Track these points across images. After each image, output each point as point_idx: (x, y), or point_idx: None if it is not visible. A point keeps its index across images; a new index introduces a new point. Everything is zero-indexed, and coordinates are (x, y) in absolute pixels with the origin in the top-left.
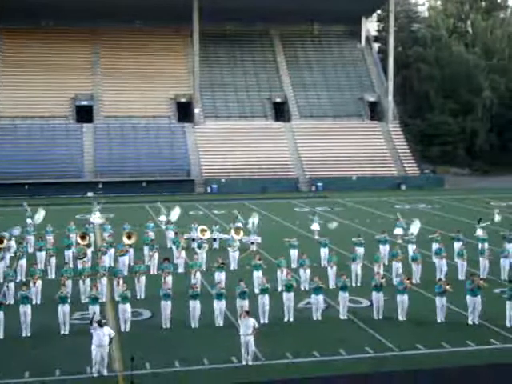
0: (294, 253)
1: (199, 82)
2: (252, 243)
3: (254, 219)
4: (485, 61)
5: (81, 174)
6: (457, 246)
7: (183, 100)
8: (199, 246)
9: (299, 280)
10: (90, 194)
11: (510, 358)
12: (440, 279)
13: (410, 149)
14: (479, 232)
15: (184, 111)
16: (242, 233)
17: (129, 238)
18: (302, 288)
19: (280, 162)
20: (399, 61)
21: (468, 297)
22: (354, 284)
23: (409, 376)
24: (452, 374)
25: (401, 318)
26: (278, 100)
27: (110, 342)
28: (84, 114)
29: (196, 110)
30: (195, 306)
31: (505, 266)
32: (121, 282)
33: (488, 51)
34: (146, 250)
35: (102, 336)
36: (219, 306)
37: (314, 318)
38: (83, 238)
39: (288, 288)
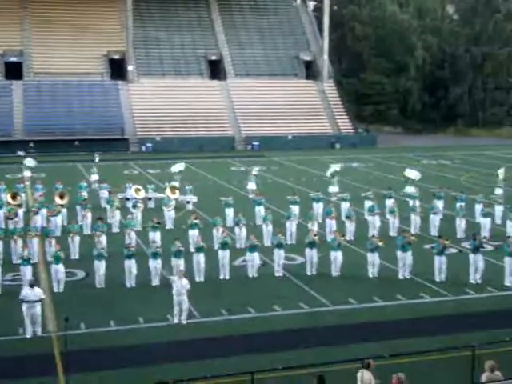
0: (229, 211)
1: (132, 39)
2: (188, 202)
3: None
4: (418, 21)
5: (10, 132)
6: (389, 203)
7: (116, 57)
8: (134, 206)
9: (235, 238)
10: (20, 153)
11: (439, 311)
12: (372, 236)
13: (344, 108)
14: (410, 189)
15: (117, 68)
16: (177, 192)
17: (61, 197)
18: (238, 246)
19: (216, 121)
20: (334, 20)
21: (399, 252)
22: (288, 241)
23: (343, 329)
24: (383, 327)
25: (334, 273)
26: (214, 58)
27: (39, 301)
28: (13, 70)
29: (129, 68)
30: (130, 265)
31: (434, 223)
32: (53, 242)
33: (421, 11)
34: (78, 209)
35: (33, 296)
36: (154, 265)
37: (250, 276)
38: (14, 197)
39: (223, 246)
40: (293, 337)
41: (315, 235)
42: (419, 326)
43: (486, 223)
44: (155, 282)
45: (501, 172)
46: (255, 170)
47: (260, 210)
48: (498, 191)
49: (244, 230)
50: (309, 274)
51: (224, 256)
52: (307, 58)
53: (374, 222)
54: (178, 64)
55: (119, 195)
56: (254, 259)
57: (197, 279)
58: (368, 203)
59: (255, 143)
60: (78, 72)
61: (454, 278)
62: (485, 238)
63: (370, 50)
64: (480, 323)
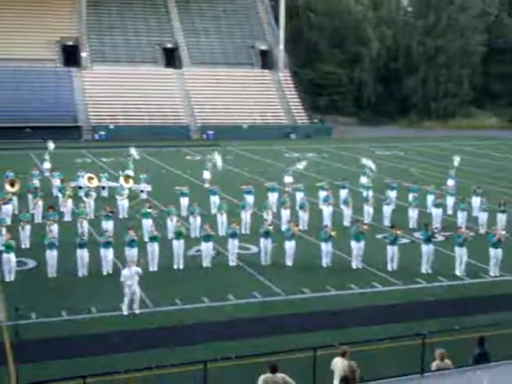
0: (184, 201)
1: (86, 25)
2: (142, 191)
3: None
4: (373, 12)
5: None
6: (342, 193)
7: (69, 43)
8: (86, 195)
9: (189, 228)
10: None
11: (390, 300)
12: (326, 226)
13: (299, 98)
14: (364, 179)
15: (70, 55)
16: (131, 181)
17: (12, 185)
18: (192, 236)
19: (171, 110)
20: (290, 10)
21: (352, 242)
22: (243, 231)
23: (296, 319)
24: (336, 316)
25: (288, 263)
26: (169, 46)
27: None
28: None
29: (83, 54)
30: (82, 254)
31: (387, 213)
32: (4, 230)
33: (376, 3)
34: (29, 198)
35: None
36: (106, 254)
37: (204, 265)
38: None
39: (178, 236)
40: (246, 326)
41: (270, 225)
42: (371, 315)
43: (437, 214)
44: (107, 271)
45: (456, 159)
46: (219, 162)
47: (215, 200)
48: (450, 182)
49: (198, 219)
50: (263, 263)
51: (178, 245)
52: (263, 47)
53: (328, 212)
54: (132, 51)
55: (71, 184)
56: (208, 249)
57: (150, 269)
58: (322, 193)
59: (210, 132)
60: (30, 58)
61: (405, 268)
62: (436, 228)
63: (326, 41)
64: (430, 312)
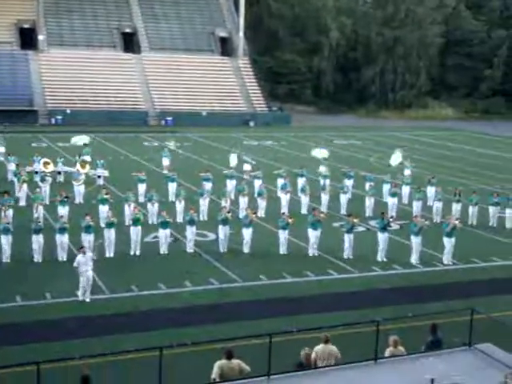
0: (142, 187)
1: (44, 8)
2: (99, 177)
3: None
4: (333, 1)
5: None
6: (300, 181)
7: (26, 26)
8: (42, 179)
9: (147, 214)
10: None
11: (346, 287)
12: (283, 213)
13: (258, 86)
14: (321, 168)
15: (27, 38)
16: (87, 166)
17: None
18: (150, 222)
19: (129, 95)
20: None
21: (309, 230)
22: (201, 218)
23: (252, 305)
24: (292, 302)
25: (245, 250)
26: (128, 30)
27: None
28: None
29: (40, 37)
30: (38, 240)
31: (344, 201)
32: None
33: None
34: None
35: None
36: (62, 239)
37: (161, 252)
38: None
39: (135, 222)
40: (203, 312)
41: (228, 212)
42: (327, 302)
43: (393, 203)
44: (62, 257)
45: (396, 155)
46: (173, 145)
47: (173, 187)
48: (406, 172)
49: (156, 206)
50: (221, 250)
51: (135, 232)
52: (223, 34)
53: (286, 199)
54: (90, 35)
55: (27, 168)
56: (166, 235)
57: (107, 255)
58: (280, 181)
59: (169, 119)
60: None
61: (361, 256)
62: (392, 217)
63: (286, 29)
64: (385, 299)
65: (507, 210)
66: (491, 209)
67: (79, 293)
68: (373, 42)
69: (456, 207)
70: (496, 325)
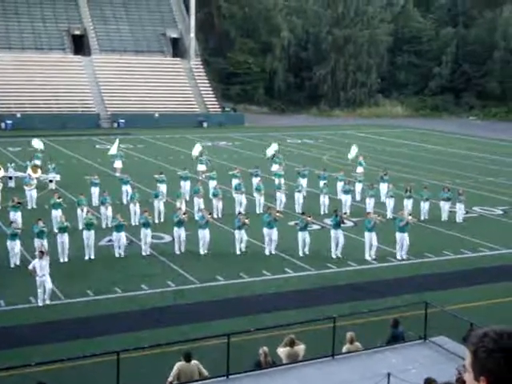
0: (95, 191)
1: None
2: (50, 181)
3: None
4: (283, 1)
5: None
6: (255, 181)
7: None
8: None
9: (100, 217)
10: None
11: (302, 285)
12: (239, 213)
13: (211, 87)
14: (275, 167)
15: None
16: (39, 171)
17: None
18: (104, 225)
19: (80, 98)
20: None
21: (265, 229)
22: (156, 220)
23: (209, 306)
24: (249, 302)
25: (202, 251)
26: (77, 32)
27: None
28: None
29: None
30: None
31: (299, 200)
32: None
33: None
34: None
35: None
36: (13, 245)
37: (116, 255)
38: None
39: (88, 226)
40: (160, 315)
41: (184, 214)
42: (284, 300)
43: (346, 200)
44: (15, 263)
45: (353, 149)
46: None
47: (126, 189)
48: (359, 169)
49: (110, 209)
50: (177, 252)
51: (89, 236)
52: (174, 35)
53: (241, 199)
54: (39, 38)
55: None
56: (121, 239)
57: (61, 260)
58: (235, 181)
59: (121, 121)
60: None
61: (316, 253)
62: (345, 214)
63: (237, 30)
64: (341, 296)
65: (457, 205)
66: (442, 203)
67: (38, 298)
68: (323, 41)
69: (407, 203)
70: (449, 318)
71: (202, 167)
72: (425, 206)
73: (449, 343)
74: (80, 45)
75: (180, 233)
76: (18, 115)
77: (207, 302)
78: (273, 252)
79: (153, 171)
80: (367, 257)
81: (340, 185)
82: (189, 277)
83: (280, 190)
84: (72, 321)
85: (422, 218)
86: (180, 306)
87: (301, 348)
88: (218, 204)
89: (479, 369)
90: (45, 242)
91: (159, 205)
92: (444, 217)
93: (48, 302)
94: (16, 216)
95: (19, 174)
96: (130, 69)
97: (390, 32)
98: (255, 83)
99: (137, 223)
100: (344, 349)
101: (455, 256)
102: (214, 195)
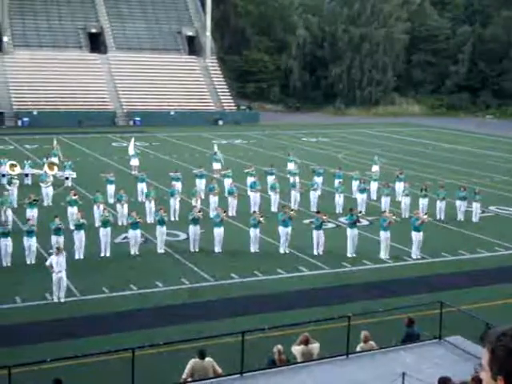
0: (110, 188)
1: (8, 9)
2: (67, 178)
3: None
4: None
5: None
6: (270, 179)
7: None
8: (9, 182)
9: (116, 215)
10: None
11: (316, 284)
12: (254, 212)
13: (227, 85)
14: (291, 166)
15: None
16: (55, 168)
17: None
18: (120, 223)
19: (96, 96)
20: None
21: (280, 228)
22: (172, 218)
23: (224, 304)
24: (264, 300)
25: (217, 249)
26: (94, 30)
27: None
28: None
29: (5, 39)
30: (6, 243)
31: (314, 198)
32: None
33: None
34: None
35: None
36: (30, 243)
37: (132, 253)
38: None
39: (104, 223)
40: (175, 312)
41: (199, 212)
42: (298, 299)
43: (362, 199)
44: (31, 260)
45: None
46: (131, 149)
47: (142, 187)
48: (374, 168)
49: (126, 206)
50: (192, 250)
51: (105, 233)
52: (190, 33)
53: (256, 198)
54: (56, 36)
55: None
56: (136, 236)
57: (77, 257)
58: (250, 179)
59: (137, 119)
60: None
61: (331, 252)
62: (361, 212)
63: (253, 28)
64: (355, 295)
65: (474, 204)
66: (458, 203)
67: (53, 295)
68: (339, 39)
69: (423, 202)
70: (465, 317)
71: (217, 165)
72: (441, 206)
73: (464, 343)
74: (96, 43)
75: (195, 231)
76: (35, 113)
77: (222, 299)
78: (287, 250)
79: (168, 169)
80: (382, 255)
81: (355, 184)
82: (203, 274)
83: (295, 188)
84: (87, 317)
85: (438, 217)
86: (194, 304)
87: (315, 346)
88: (233, 202)
89: (497, 368)
90: (61, 239)
91: (175, 203)
92: (460, 216)
93: (63, 299)
94: (32, 213)
95: (35, 171)
96: (145, 67)
97: (407, 30)
98: (271, 81)
99: (152, 221)
100: (358, 348)
101: (471, 255)
102: (230, 193)
